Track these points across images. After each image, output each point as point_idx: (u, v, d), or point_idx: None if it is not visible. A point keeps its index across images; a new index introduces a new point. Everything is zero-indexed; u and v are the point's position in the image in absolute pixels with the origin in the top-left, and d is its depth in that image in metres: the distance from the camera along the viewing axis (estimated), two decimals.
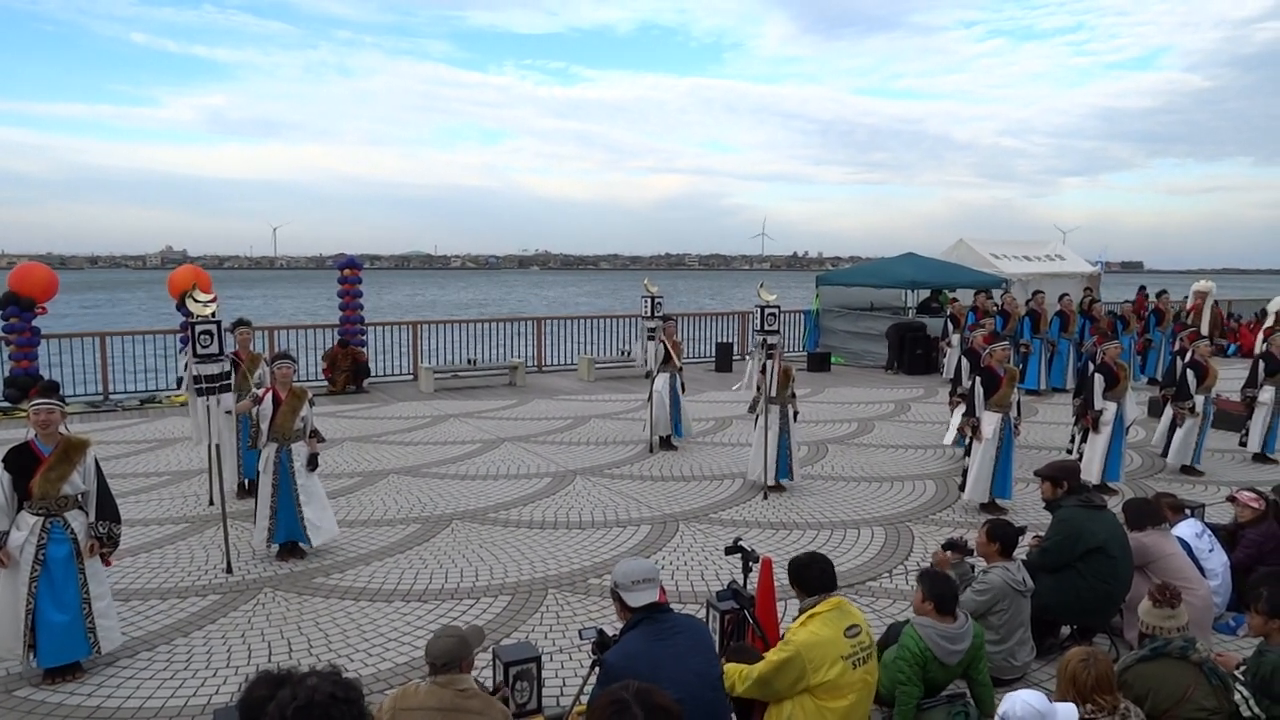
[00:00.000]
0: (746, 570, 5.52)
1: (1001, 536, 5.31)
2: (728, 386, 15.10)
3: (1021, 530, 5.99)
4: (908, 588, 6.57)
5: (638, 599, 3.95)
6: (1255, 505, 6.56)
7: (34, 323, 13.38)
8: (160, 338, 15.44)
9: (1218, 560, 6.11)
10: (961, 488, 8.74)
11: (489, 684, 4.91)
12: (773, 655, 4.14)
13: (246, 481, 8.69)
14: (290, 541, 7.12)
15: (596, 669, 3.99)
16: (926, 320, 18.40)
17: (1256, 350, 11.68)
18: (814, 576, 4.31)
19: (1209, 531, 6.31)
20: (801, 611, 4.27)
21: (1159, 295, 18.26)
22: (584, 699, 4.41)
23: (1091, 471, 8.87)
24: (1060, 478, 6.03)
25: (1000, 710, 3.75)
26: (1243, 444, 10.75)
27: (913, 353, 17.53)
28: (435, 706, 3.61)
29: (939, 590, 4.54)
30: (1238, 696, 4.11)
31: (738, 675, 4.17)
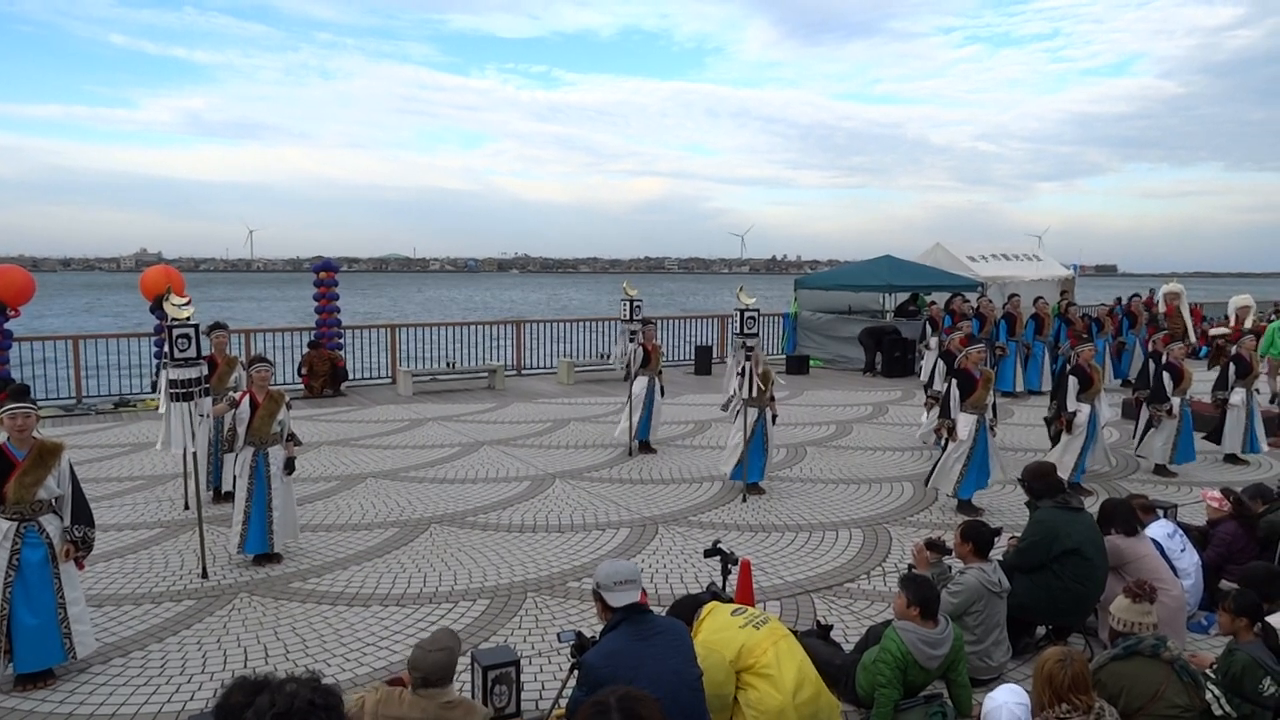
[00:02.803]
0: (726, 573, 5.55)
1: (974, 538, 5.36)
2: (707, 390, 15.15)
3: (997, 531, 6.03)
4: (886, 589, 6.62)
5: (619, 599, 3.97)
6: (1216, 505, 6.67)
7: (6, 325, 13.21)
8: (134, 341, 15.28)
9: (1189, 560, 6.19)
10: (926, 481, 8.88)
11: (467, 690, 4.90)
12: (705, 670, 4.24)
13: (222, 487, 8.60)
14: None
15: (576, 671, 4.00)
16: (903, 323, 18.52)
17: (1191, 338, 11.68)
18: (689, 607, 4.65)
19: (1180, 531, 6.39)
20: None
21: (1131, 298, 18.47)
22: (563, 702, 4.41)
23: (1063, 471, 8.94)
24: (1033, 480, 6.07)
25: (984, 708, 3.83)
26: (1208, 439, 10.83)
27: (890, 355, 17.65)
28: (419, 719, 3.59)
29: (923, 595, 4.57)
30: (1209, 695, 4.16)
31: None
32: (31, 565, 5.10)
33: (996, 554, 5.75)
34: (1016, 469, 7.20)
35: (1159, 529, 6.27)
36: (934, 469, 8.79)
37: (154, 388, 13.94)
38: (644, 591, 4.16)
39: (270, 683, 2.74)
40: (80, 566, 5.41)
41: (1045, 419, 9.71)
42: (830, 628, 5.71)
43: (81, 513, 5.33)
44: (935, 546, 5.57)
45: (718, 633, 4.32)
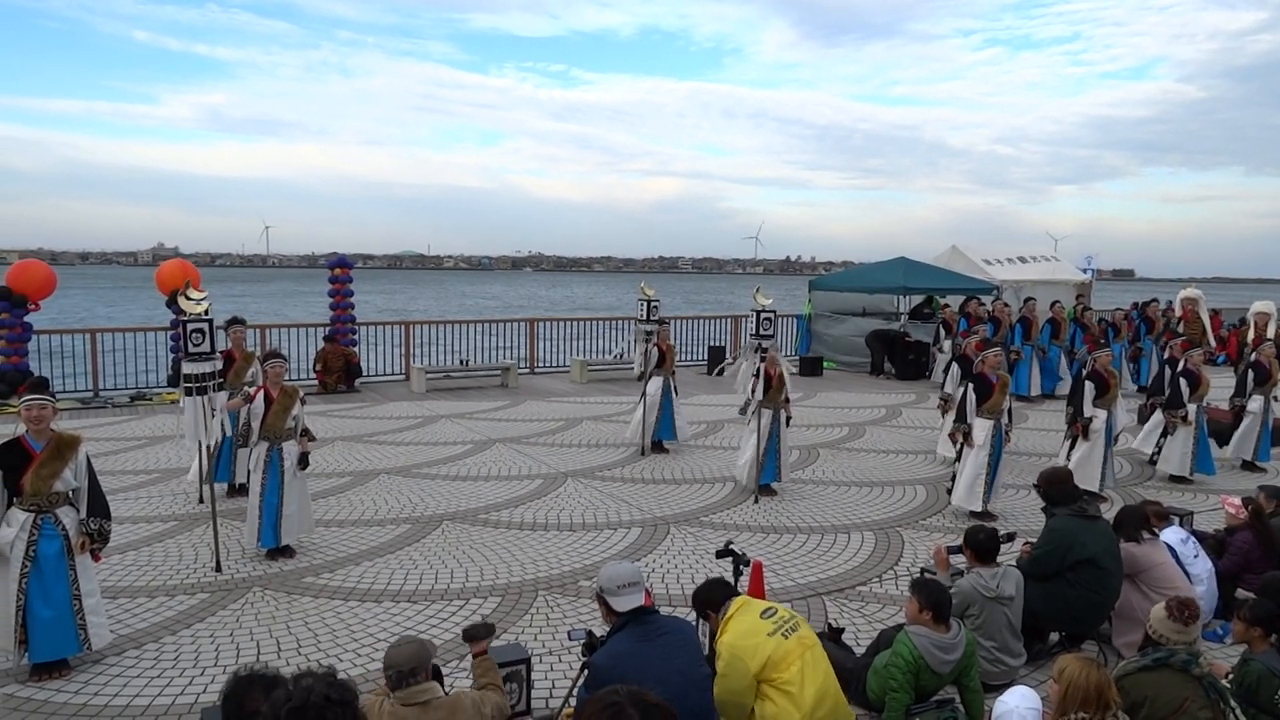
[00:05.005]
0: (737, 574, 5.53)
1: (974, 544, 5.35)
2: (720, 390, 15.13)
3: (1010, 537, 6.00)
4: (898, 593, 6.59)
5: (624, 603, 3.97)
6: (1234, 512, 6.61)
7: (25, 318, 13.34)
8: (151, 335, 15.39)
9: (1202, 566, 6.14)
10: (950, 493, 8.78)
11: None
12: (718, 671, 4.19)
13: (237, 482, 8.63)
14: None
15: (585, 670, 4.00)
16: (917, 325, 18.44)
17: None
18: (719, 593, 4.49)
19: (1193, 538, 6.35)
20: (718, 627, 4.36)
21: (1148, 304, 18.34)
22: (573, 701, 4.42)
23: (1079, 477, 8.83)
24: (1049, 487, 6.02)
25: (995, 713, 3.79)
26: (1219, 446, 10.76)
27: (904, 358, 17.59)
28: None
29: (936, 600, 4.55)
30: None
31: None
32: (48, 557, 5.14)
33: (1009, 559, 5.72)
34: (1031, 475, 7.15)
35: (1172, 535, 6.22)
36: (953, 485, 8.67)
37: (171, 381, 14.04)
38: (647, 592, 4.15)
39: (280, 679, 2.75)
40: (96, 559, 5.46)
41: (1067, 424, 9.56)
42: (842, 630, 5.70)
43: (98, 505, 5.37)
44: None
45: (745, 638, 4.17)
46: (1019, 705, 3.92)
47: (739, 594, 4.51)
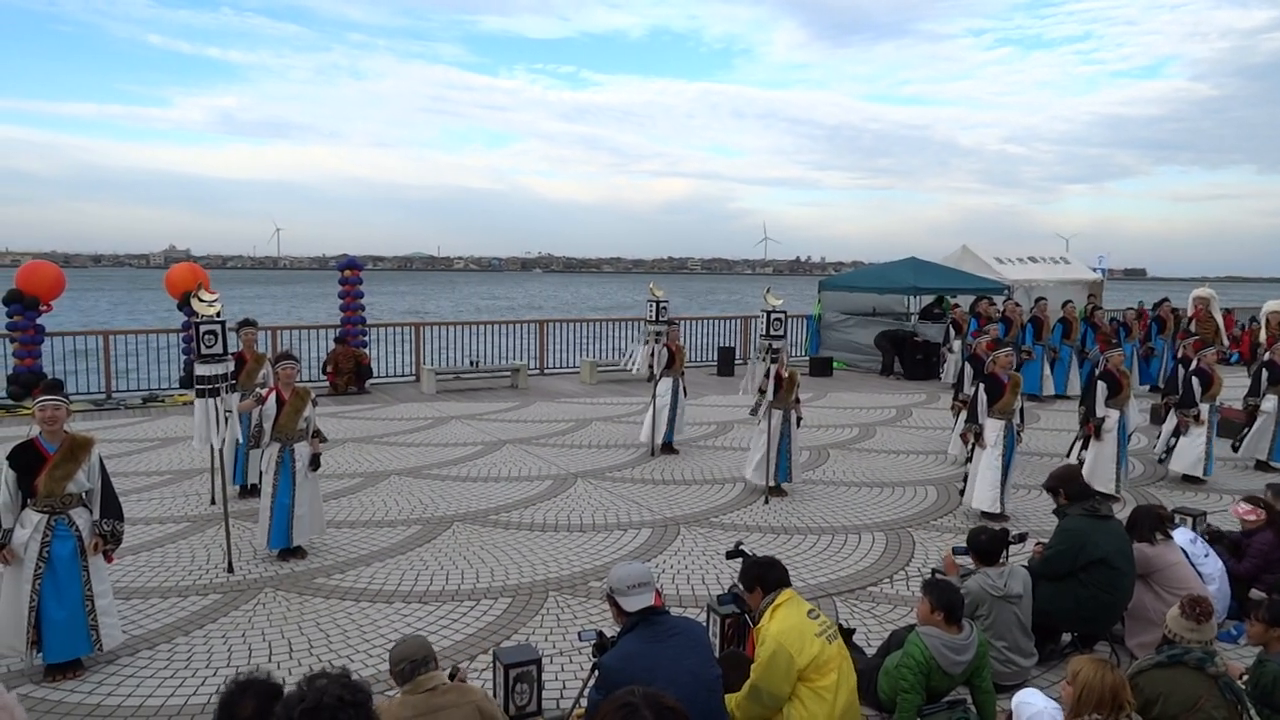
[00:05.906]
0: None
1: (974, 546, 5.33)
2: (730, 391, 15.11)
3: (1022, 538, 5.98)
4: (909, 593, 6.57)
5: (633, 604, 3.97)
6: (1250, 517, 6.54)
7: (38, 320, 13.42)
8: (163, 337, 15.47)
9: (1214, 566, 6.11)
10: (963, 493, 8.74)
11: (488, 686, 4.92)
12: (759, 658, 4.17)
13: (249, 484, 8.66)
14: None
15: (596, 671, 4.00)
16: (927, 325, 18.39)
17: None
18: (776, 575, 4.43)
19: (1201, 539, 6.32)
20: (762, 611, 4.34)
21: (1159, 304, 18.25)
22: (584, 702, 4.42)
23: (1096, 479, 8.79)
24: (1059, 486, 6.00)
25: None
26: (1235, 449, 10.71)
27: (913, 358, 17.55)
28: (410, 717, 3.55)
29: (948, 600, 4.53)
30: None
31: (733, 703, 4.19)
32: (61, 558, 5.17)
33: (1021, 560, 5.68)
34: (1042, 475, 7.11)
35: (1180, 536, 6.18)
36: (966, 487, 8.64)
37: (183, 383, 14.12)
38: (658, 593, 4.15)
39: (265, 683, 2.76)
40: (109, 559, 5.49)
41: (1080, 424, 9.51)
42: (853, 631, 5.68)
43: (111, 506, 5.40)
44: None
45: (795, 632, 4.14)
46: (1046, 707, 3.90)
47: (790, 585, 4.47)
